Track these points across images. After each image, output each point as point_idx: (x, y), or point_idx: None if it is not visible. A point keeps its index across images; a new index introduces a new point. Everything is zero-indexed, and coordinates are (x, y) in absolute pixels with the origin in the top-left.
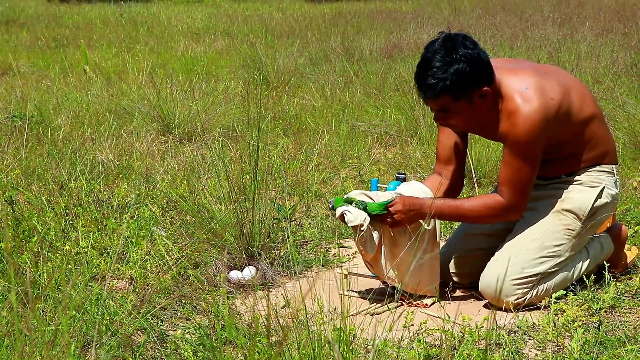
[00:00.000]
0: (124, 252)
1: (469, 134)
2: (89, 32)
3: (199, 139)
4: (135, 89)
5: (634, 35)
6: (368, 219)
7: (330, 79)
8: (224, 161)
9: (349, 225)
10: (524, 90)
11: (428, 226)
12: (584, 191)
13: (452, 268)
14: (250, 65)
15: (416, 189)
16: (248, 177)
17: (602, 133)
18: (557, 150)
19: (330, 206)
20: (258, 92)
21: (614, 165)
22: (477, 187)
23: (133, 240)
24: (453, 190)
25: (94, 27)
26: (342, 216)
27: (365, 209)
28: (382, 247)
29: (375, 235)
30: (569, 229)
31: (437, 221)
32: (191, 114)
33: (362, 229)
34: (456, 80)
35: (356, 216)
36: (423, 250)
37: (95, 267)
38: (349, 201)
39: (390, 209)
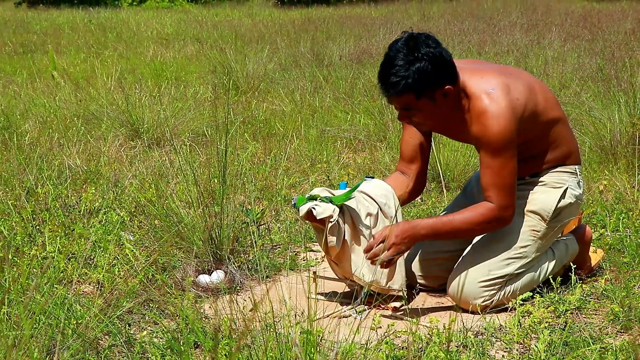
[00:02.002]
0: (92, 257)
1: (432, 134)
2: (57, 37)
3: (167, 143)
4: (104, 94)
5: (599, 41)
6: (337, 210)
7: (300, 84)
8: (193, 166)
9: (318, 217)
10: (490, 91)
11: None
12: (548, 192)
13: (418, 271)
14: (219, 70)
15: (378, 187)
16: (217, 182)
17: (565, 134)
18: (522, 151)
19: (293, 203)
20: (227, 97)
21: (576, 166)
22: (445, 191)
23: (100, 244)
24: (415, 189)
25: (62, 32)
26: (308, 213)
27: (331, 202)
28: (349, 243)
29: (346, 228)
30: (534, 230)
31: (400, 215)
32: (160, 119)
33: (331, 220)
34: (418, 79)
35: (325, 208)
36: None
37: (62, 272)
38: (314, 198)
39: (382, 243)
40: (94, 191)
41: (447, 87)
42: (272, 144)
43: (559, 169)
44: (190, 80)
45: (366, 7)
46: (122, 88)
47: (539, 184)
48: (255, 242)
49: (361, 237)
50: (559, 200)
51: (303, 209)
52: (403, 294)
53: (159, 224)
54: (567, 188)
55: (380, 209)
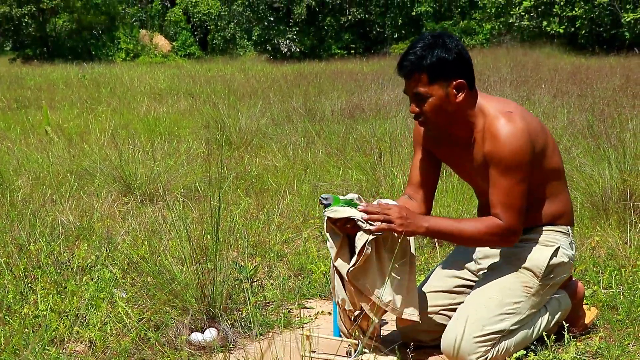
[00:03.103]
0: (84, 315)
1: (441, 167)
2: (51, 93)
3: (160, 199)
4: (97, 150)
5: (588, 97)
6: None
7: (293, 139)
8: (186, 222)
9: (364, 228)
10: (508, 112)
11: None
12: (540, 250)
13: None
14: (212, 125)
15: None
16: (209, 238)
17: (562, 191)
18: None
19: (327, 203)
20: (220, 153)
21: (569, 227)
22: (438, 247)
23: (93, 302)
24: (423, 214)
25: (56, 88)
26: (347, 220)
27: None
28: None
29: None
30: (526, 287)
31: (412, 242)
32: (153, 174)
33: (379, 233)
34: (435, 62)
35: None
36: (402, 266)
37: (54, 330)
38: (352, 204)
39: (386, 210)
40: (86, 248)
41: (461, 80)
42: (265, 199)
43: (551, 227)
44: (184, 135)
45: (358, 62)
46: (115, 143)
47: (531, 241)
48: (249, 299)
49: (382, 253)
50: (551, 258)
51: (344, 212)
52: (397, 354)
53: (152, 281)
54: (558, 247)
55: None
